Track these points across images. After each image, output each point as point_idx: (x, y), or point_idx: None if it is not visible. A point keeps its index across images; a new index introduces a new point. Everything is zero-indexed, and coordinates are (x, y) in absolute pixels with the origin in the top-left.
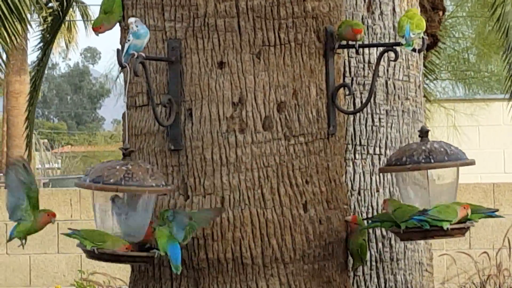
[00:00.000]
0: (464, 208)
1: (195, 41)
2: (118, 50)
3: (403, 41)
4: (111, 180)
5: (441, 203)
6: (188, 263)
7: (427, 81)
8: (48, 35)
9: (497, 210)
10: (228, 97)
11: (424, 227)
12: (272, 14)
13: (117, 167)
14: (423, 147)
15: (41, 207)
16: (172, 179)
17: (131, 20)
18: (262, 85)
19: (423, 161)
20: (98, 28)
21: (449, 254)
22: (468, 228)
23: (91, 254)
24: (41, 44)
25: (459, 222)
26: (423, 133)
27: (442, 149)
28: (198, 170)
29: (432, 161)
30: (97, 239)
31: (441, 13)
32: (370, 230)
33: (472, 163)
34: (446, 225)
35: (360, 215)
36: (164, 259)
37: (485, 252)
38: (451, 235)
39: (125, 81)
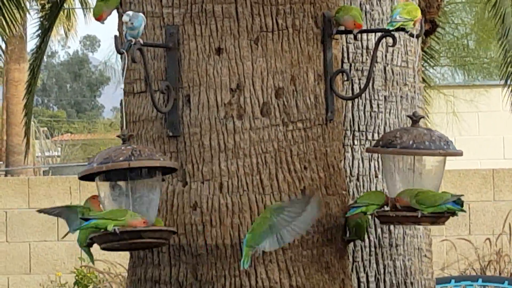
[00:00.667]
0: None
1: (193, 27)
2: (115, 36)
3: (388, 21)
4: (121, 158)
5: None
6: (187, 249)
7: (427, 67)
8: (46, 23)
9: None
10: (226, 83)
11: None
12: (270, 0)
13: (122, 148)
14: (413, 132)
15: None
16: None
17: (125, 18)
18: (260, 71)
19: (412, 146)
20: (100, 17)
21: (449, 240)
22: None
23: (110, 239)
24: (40, 31)
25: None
26: (415, 118)
27: (432, 137)
28: (196, 156)
29: (419, 147)
30: (119, 215)
31: None
32: (369, 216)
33: (460, 154)
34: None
35: None
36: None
37: (487, 239)
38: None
39: (123, 68)
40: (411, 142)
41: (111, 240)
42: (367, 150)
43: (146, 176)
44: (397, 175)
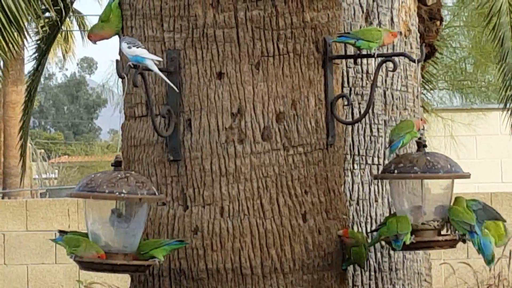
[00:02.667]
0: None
1: (194, 52)
2: (117, 61)
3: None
4: (107, 190)
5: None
6: (188, 273)
7: (425, 91)
8: (44, 45)
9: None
10: (227, 107)
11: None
12: (271, 24)
13: (112, 175)
14: (422, 158)
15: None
16: (171, 189)
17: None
18: (261, 96)
19: (422, 170)
20: (90, 36)
21: (448, 263)
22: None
23: (76, 262)
24: (37, 54)
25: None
26: (420, 144)
27: (440, 161)
28: (197, 180)
29: (428, 171)
30: (73, 244)
31: (438, 23)
32: (369, 240)
33: (468, 176)
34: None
35: (359, 225)
36: (163, 269)
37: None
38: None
39: (124, 92)
40: (425, 167)
41: (81, 266)
42: (375, 177)
43: (132, 203)
44: (406, 200)
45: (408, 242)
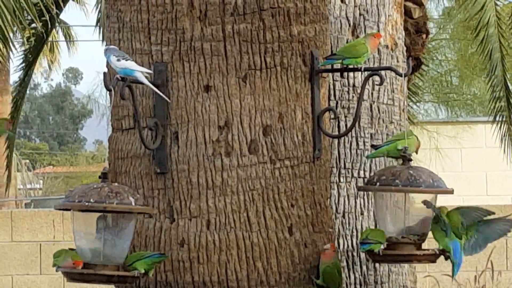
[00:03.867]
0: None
1: (182, 65)
2: (104, 73)
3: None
4: (95, 200)
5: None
6: (174, 286)
7: (410, 104)
8: (30, 56)
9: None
10: (214, 120)
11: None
12: (258, 38)
13: (100, 187)
14: (406, 171)
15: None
16: (158, 202)
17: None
18: (248, 109)
19: (405, 184)
20: None
21: (433, 276)
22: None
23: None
24: (23, 64)
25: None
26: (405, 158)
27: (423, 175)
28: (184, 193)
29: (410, 185)
30: (56, 255)
31: (424, 36)
32: (355, 253)
33: (451, 192)
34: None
35: (344, 238)
36: (149, 282)
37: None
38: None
39: (112, 104)
40: (407, 180)
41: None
42: (359, 189)
43: (120, 215)
44: (388, 213)
45: (376, 250)
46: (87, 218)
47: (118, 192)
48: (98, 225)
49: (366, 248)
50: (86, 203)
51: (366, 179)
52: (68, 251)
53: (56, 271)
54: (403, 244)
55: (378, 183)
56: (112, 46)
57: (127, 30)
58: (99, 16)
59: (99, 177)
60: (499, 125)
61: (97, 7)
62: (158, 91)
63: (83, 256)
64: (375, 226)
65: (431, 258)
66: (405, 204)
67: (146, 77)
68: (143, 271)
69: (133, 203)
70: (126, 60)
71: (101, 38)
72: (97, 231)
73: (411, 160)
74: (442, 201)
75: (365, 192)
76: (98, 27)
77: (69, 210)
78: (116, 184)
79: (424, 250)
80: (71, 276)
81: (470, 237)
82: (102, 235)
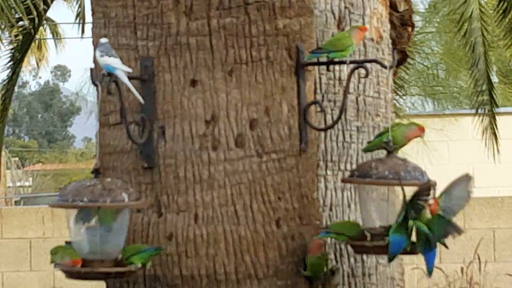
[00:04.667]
0: None
1: (168, 60)
2: (91, 69)
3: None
4: (89, 197)
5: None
6: (162, 279)
7: (397, 97)
8: (18, 54)
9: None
10: (201, 114)
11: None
12: (244, 32)
13: (93, 184)
14: (389, 163)
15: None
16: (145, 196)
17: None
18: (235, 103)
19: (390, 176)
20: None
21: (420, 268)
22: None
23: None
24: (11, 62)
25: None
26: (390, 148)
27: (408, 168)
28: (171, 187)
29: (395, 178)
30: (52, 252)
31: (410, 29)
32: (342, 246)
33: (433, 184)
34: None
35: None
36: (138, 276)
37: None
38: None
39: (98, 100)
40: (386, 173)
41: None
42: (343, 181)
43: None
44: (371, 205)
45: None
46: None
47: (111, 189)
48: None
49: (321, 236)
50: (80, 203)
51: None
52: (65, 248)
53: (55, 267)
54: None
55: (356, 175)
56: (102, 40)
57: (112, 26)
58: (79, 11)
59: (92, 173)
60: (481, 118)
61: (77, 2)
62: (135, 91)
63: (80, 252)
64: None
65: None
66: (389, 197)
67: (130, 73)
68: (140, 265)
69: (126, 199)
70: (109, 56)
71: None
72: (92, 227)
73: (391, 152)
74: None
75: (352, 185)
76: (78, 24)
77: (52, 207)
78: (109, 179)
79: (373, 241)
80: (70, 274)
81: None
82: (97, 231)
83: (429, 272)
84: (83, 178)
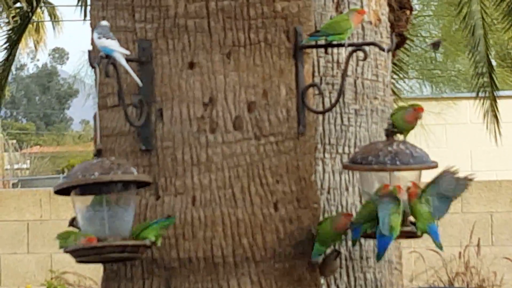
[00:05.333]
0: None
1: (166, 42)
2: (89, 51)
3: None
4: (96, 173)
5: None
6: (160, 262)
7: (396, 80)
8: (14, 35)
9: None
10: (199, 97)
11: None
12: (242, 14)
13: (97, 162)
14: (389, 148)
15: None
16: None
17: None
18: (233, 85)
19: (388, 162)
20: None
21: (418, 252)
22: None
23: (71, 254)
24: (8, 44)
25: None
26: (389, 133)
27: (407, 151)
28: (169, 170)
29: (398, 162)
30: (63, 237)
31: (408, 12)
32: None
33: (435, 166)
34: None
35: (330, 214)
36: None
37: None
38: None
39: (96, 82)
40: (390, 157)
41: (76, 256)
42: (345, 167)
43: (121, 190)
44: (374, 189)
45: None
46: (88, 197)
47: (120, 164)
48: (103, 202)
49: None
50: (92, 176)
51: (349, 157)
52: (77, 233)
53: (65, 251)
54: None
55: (362, 161)
56: (102, 22)
57: (111, 8)
58: None
59: (94, 155)
60: (481, 101)
61: None
62: (133, 74)
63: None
64: (360, 202)
65: (409, 235)
66: (391, 180)
67: (127, 55)
68: (153, 238)
69: (135, 172)
70: (107, 38)
71: (83, 18)
72: (102, 206)
73: (390, 135)
74: (428, 175)
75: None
76: (80, 6)
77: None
78: (113, 158)
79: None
80: (84, 253)
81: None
82: (107, 210)
83: (438, 247)
84: (85, 160)
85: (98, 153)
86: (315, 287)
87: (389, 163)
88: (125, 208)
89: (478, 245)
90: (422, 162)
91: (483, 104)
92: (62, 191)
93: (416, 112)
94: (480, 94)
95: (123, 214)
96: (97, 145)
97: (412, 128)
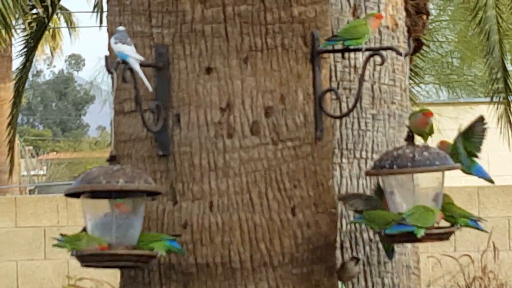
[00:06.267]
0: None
1: (182, 47)
2: (106, 56)
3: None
4: (104, 180)
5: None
6: (177, 267)
7: (412, 85)
8: (31, 41)
9: (480, 220)
10: (216, 102)
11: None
12: (259, 19)
13: (109, 169)
14: (409, 151)
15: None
16: (160, 184)
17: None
18: (250, 90)
19: (409, 165)
20: None
21: (435, 257)
22: (453, 232)
23: (77, 258)
24: (25, 50)
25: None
26: (409, 137)
27: (426, 153)
28: (187, 175)
29: (418, 165)
30: (74, 239)
31: (425, 17)
32: (358, 234)
33: (457, 167)
34: (420, 233)
35: (347, 219)
36: (152, 264)
37: (466, 255)
38: (436, 240)
39: (113, 87)
40: (427, 160)
41: (79, 260)
42: (367, 174)
43: (130, 197)
44: (398, 194)
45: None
46: (98, 202)
47: (139, 172)
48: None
49: (355, 221)
50: (118, 183)
51: (372, 163)
52: (89, 235)
53: (75, 255)
54: None
55: (388, 166)
56: (120, 28)
57: (127, 13)
58: (97, 1)
59: (107, 161)
60: (496, 106)
61: None
62: (145, 79)
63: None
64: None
65: (445, 236)
66: (414, 185)
67: (142, 61)
68: (164, 253)
69: (153, 183)
70: (123, 43)
71: (99, 24)
72: (108, 213)
73: (413, 139)
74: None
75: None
76: (96, 13)
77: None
78: (129, 166)
79: (439, 228)
80: (90, 260)
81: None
82: (113, 217)
83: (488, 180)
84: (99, 166)
85: (112, 159)
86: None
87: (410, 166)
88: (134, 215)
89: (495, 250)
90: (443, 163)
91: (497, 108)
92: (75, 194)
93: (425, 117)
94: (494, 99)
95: (131, 220)
96: (112, 151)
97: (425, 132)
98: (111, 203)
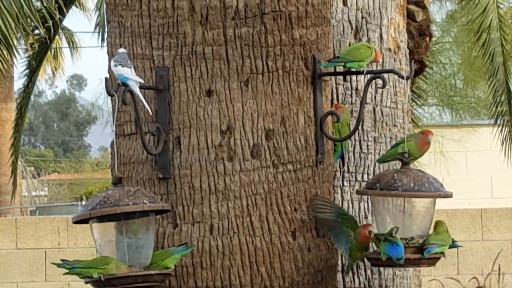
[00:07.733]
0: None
1: (183, 69)
2: (106, 78)
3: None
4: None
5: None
6: None
7: (415, 107)
8: (34, 62)
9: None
10: (216, 125)
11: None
12: (260, 42)
13: (114, 192)
14: (401, 175)
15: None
16: None
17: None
18: (250, 113)
19: (400, 189)
20: None
21: (438, 280)
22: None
23: (99, 284)
24: (27, 71)
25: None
26: (406, 160)
27: (421, 179)
28: (187, 198)
29: (411, 189)
30: (101, 264)
31: (428, 39)
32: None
33: (449, 196)
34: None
35: None
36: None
37: (474, 277)
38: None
39: (114, 110)
40: (412, 185)
41: (102, 285)
42: (358, 192)
43: (139, 218)
44: (388, 216)
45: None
46: (107, 225)
47: (143, 192)
48: (118, 230)
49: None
50: (130, 204)
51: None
52: (115, 260)
53: (102, 279)
54: (409, 248)
55: (378, 188)
56: (120, 50)
57: (128, 35)
58: (98, 21)
59: (113, 183)
60: (500, 128)
61: (96, 12)
62: (145, 102)
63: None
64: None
65: (434, 261)
66: (405, 209)
67: (142, 83)
68: (173, 267)
69: (161, 203)
70: (123, 66)
71: (100, 44)
72: (119, 236)
73: (407, 163)
74: (449, 202)
75: (369, 196)
76: (98, 33)
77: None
78: (136, 187)
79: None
80: (127, 281)
81: None
82: (125, 239)
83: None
84: (108, 188)
85: (119, 181)
86: None
87: (401, 190)
88: (144, 236)
89: (499, 273)
90: (436, 190)
91: (501, 131)
92: (84, 221)
93: (424, 136)
94: (498, 122)
95: (143, 241)
96: (116, 173)
97: (425, 152)
98: (128, 225)
